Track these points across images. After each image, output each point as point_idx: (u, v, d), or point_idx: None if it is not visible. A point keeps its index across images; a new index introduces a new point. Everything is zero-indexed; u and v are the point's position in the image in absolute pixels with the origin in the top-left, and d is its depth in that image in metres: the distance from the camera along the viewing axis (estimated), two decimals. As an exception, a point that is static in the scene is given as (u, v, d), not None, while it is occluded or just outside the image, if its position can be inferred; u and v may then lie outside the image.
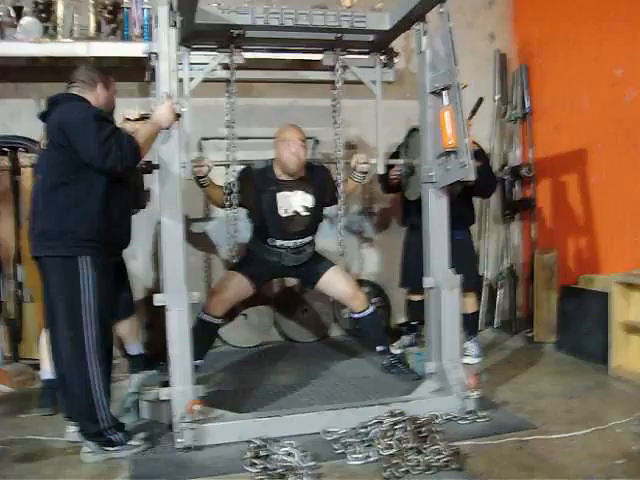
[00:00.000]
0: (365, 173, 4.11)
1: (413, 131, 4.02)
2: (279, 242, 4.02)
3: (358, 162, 4.06)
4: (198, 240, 5.15)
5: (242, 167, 4.01)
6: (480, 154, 4.35)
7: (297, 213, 4.00)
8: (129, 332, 4.07)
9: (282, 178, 4.02)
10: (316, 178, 4.10)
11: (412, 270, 4.45)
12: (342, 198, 4.08)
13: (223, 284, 4.04)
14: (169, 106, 3.10)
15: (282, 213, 3.98)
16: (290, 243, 4.03)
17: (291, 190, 4.00)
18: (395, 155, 4.39)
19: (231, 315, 4.87)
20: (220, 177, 3.98)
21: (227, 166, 3.94)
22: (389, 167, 4.21)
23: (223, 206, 3.98)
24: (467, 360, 4.38)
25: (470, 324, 4.59)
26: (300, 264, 4.11)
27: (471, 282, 4.48)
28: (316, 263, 4.17)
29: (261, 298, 4.59)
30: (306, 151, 4.03)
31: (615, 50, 4.58)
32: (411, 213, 4.34)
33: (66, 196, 2.91)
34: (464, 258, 4.29)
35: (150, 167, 3.49)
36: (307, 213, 4.02)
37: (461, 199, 4.27)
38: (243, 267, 4.06)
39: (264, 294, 4.80)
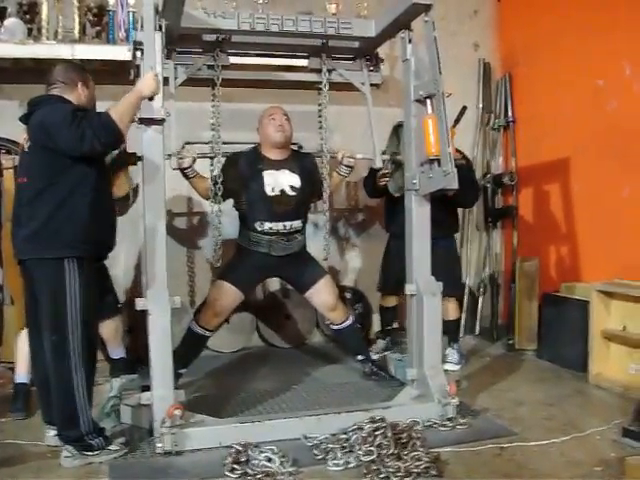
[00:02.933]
0: (351, 167, 4.10)
1: (398, 127, 4.03)
2: (267, 225, 3.91)
3: (345, 155, 4.06)
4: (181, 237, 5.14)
5: (227, 156, 3.96)
6: (465, 165, 4.39)
7: (284, 192, 3.93)
8: (113, 335, 4.06)
9: (268, 156, 3.98)
10: (303, 163, 4.07)
11: (390, 274, 4.56)
12: (327, 202, 4.06)
13: (215, 297, 3.96)
14: (152, 76, 3.04)
15: (269, 191, 3.90)
16: (279, 226, 3.92)
17: (277, 169, 3.96)
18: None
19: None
20: (206, 171, 3.93)
21: (212, 158, 3.89)
22: (375, 170, 4.21)
23: (209, 197, 3.90)
24: (448, 367, 4.40)
25: (451, 331, 4.61)
26: (290, 254, 4.00)
27: (454, 288, 4.52)
28: (310, 268, 4.11)
29: (243, 303, 4.56)
30: (290, 126, 4.00)
31: (597, 61, 4.63)
32: (394, 220, 4.35)
33: (52, 198, 2.89)
34: (448, 265, 4.33)
35: (135, 159, 3.45)
36: (294, 193, 3.95)
37: (445, 207, 4.29)
38: (231, 275, 3.99)
39: (247, 299, 4.78)
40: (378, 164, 4.06)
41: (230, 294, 3.95)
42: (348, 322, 4.16)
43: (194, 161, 3.84)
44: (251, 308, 5.12)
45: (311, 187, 4.06)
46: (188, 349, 3.94)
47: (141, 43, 3.24)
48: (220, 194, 3.86)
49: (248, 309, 5.06)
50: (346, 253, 5.59)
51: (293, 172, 3.99)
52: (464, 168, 4.17)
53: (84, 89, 3.14)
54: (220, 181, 3.85)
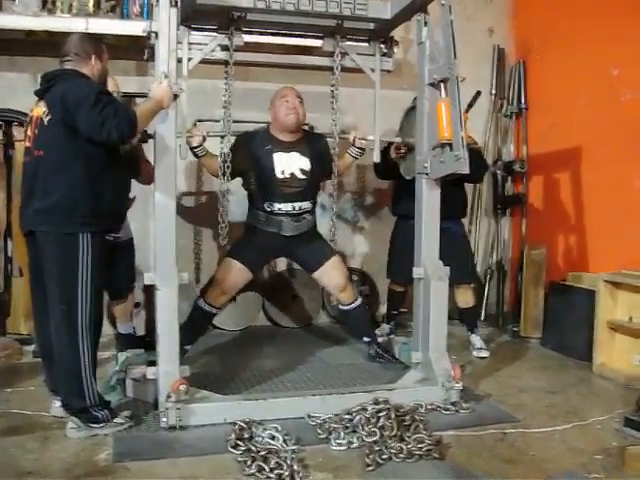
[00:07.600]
0: (362, 149, 4.07)
1: (411, 110, 3.98)
2: (277, 205, 3.92)
3: (357, 137, 4.02)
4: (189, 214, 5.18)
5: (237, 135, 3.94)
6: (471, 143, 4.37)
7: (294, 175, 3.93)
8: (123, 311, 4.12)
9: (279, 138, 3.96)
10: (314, 145, 4.05)
11: (397, 262, 4.55)
12: (335, 183, 4.03)
13: (224, 274, 3.94)
14: (168, 85, 3.09)
15: (279, 174, 3.90)
16: (289, 207, 3.93)
17: (287, 151, 3.94)
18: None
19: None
20: (217, 149, 3.89)
21: (222, 137, 3.84)
22: (387, 147, 4.18)
23: (218, 175, 3.85)
24: (483, 354, 4.48)
25: (470, 318, 4.70)
26: (300, 234, 4.00)
27: (466, 275, 4.53)
28: (319, 248, 4.10)
29: (250, 282, 4.57)
30: (303, 108, 3.97)
31: (613, 50, 4.60)
32: (402, 202, 4.36)
33: (69, 173, 2.89)
34: (458, 251, 4.36)
35: (146, 136, 3.44)
36: (304, 176, 3.95)
37: (453, 186, 4.17)
38: (241, 253, 3.98)
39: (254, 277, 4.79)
40: (375, 159, 4.03)
41: (238, 273, 3.95)
42: (357, 303, 4.15)
43: (204, 139, 3.81)
44: (258, 287, 5.14)
45: (321, 169, 4.04)
46: (194, 325, 3.97)
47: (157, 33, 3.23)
48: (229, 172, 3.82)
49: (255, 288, 5.07)
50: (354, 235, 5.59)
51: (303, 155, 3.98)
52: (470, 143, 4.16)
53: (97, 62, 3.11)
54: (229, 160, 3.81)
